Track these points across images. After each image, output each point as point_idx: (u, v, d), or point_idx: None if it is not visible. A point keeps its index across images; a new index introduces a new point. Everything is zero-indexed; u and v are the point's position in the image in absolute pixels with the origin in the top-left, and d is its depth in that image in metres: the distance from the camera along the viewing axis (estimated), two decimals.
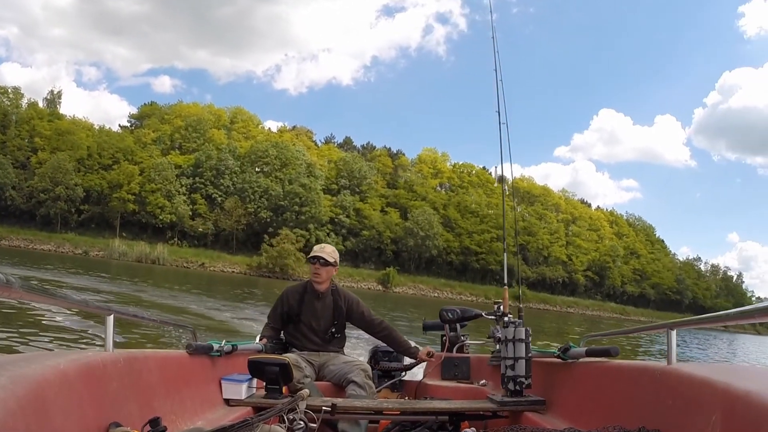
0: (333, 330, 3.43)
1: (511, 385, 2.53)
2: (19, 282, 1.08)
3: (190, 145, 63.76)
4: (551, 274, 69.60)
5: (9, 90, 60.66)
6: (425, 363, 3.60)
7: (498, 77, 4.26)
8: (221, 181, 61.20)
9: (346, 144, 77.72)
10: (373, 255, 61.05)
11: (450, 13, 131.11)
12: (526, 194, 71.29)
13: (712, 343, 30.77)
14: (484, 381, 3.25)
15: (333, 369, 3.26)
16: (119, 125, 70.18)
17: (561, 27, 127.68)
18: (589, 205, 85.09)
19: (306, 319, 3.40)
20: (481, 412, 2.61)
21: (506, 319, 2.80)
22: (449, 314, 3.65)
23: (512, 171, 4.39)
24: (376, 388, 3.31)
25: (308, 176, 63.21)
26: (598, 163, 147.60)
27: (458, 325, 3.78)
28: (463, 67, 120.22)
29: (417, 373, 3.72)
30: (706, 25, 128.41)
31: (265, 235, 57.24)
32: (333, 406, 2.57)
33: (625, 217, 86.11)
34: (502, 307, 3.29)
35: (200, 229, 59.31)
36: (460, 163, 77.64)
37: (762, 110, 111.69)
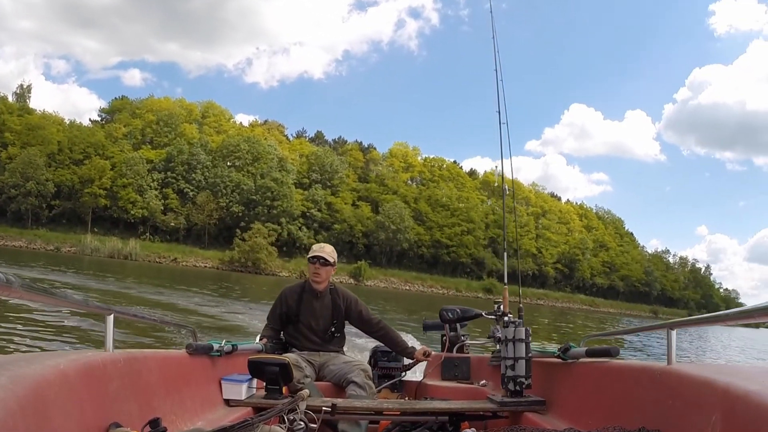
0: (333, 329, 3.41)
1: (511, 386, 2.53)
2: (19, 282, 1.08)
3: (162, 139, 63.89)
4: (521, 266, 70.63)
5: None
6: (425, 363, 3.59)
7: (498, 77, 4.19)
8: (193, 175, 61.42)
9: (318, 138, 78.02)
10: (345, 248, 61.51)
11: (422, 8, 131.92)
12: (497, 188, 72.33)
13: (703, 336, 30.46)
14: (484, 381, 3.25)
15: (333, 369, 3.25)
16: (90, 120, 70.07)
17: (533, 22, 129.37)
18: (559, 199, 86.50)
19: (305, 318, 3.39)
20: (481, 413, 2.62)
21: (506, 318, 2.80)
22: (449, 314, 3.55)
23: (512, 171, 4.31)
24: (376, 388, 3.29)
25: (280, 170, 63.64)
26: (569, 157, 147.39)
27: (458, 325, 3.75)
28: (435, 62, 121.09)
29: (417, 374, 3.73)
30: (676, 22, 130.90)
31: (237, 230, 57.80)
32: (333, 406, 2.57)
33: (594, 211, 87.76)
34: (502, 307, 3.19)
35: (172, 224, 59.57)
36: (431, 157, 78.49)
37: (731, 107, 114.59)
